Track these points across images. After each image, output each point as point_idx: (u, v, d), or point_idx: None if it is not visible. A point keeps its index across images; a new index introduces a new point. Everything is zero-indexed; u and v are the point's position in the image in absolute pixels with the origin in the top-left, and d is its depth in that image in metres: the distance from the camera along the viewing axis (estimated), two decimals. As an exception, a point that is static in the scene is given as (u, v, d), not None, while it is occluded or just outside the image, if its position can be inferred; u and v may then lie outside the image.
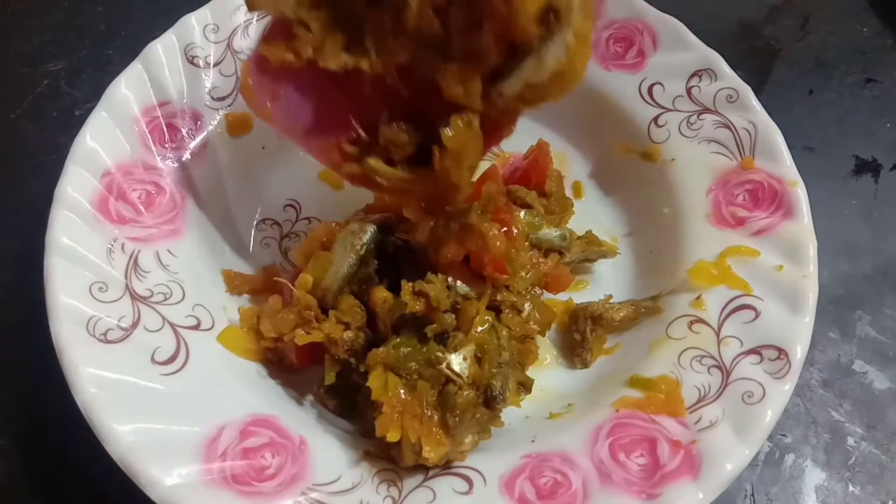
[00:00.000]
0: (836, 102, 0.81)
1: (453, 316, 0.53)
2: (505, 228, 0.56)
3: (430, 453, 0.49)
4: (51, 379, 0.59)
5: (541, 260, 0.59)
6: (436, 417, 0.50)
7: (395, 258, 0.57)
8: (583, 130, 0.71)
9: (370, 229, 0.57)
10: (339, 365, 0.55)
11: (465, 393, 0.50)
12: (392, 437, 0.49)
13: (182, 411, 0.51)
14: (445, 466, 0.51)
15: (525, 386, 0.58)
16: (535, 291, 0.60)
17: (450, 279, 0.54)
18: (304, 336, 0.54)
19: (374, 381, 0.50)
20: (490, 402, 0.53)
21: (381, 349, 0.52)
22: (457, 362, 0.51)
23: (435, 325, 0.52)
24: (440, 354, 0.51)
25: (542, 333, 0.60)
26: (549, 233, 0.61)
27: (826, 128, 0.79)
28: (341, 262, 0.56)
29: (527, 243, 0.60)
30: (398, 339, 0.52)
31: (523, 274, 0.58)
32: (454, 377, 0.51)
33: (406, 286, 0.53)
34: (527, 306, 0.57)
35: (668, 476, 0.49)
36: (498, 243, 0.54)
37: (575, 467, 0.50)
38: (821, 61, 0.84)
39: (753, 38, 0.85)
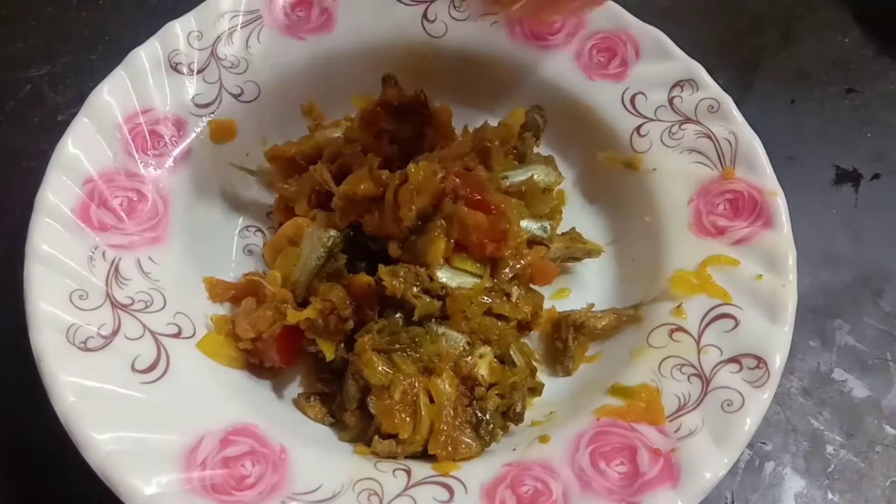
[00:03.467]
0: (818, 113, 0.82)
1: (437, 302, 0.55)
2: (478, 197, 0.58)
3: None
4: (33, 387, 0.59)
5: (525, 251, 0.60)
6: (458, 420, 0.53)
7: (372, 251, 0.59)
8: (566, 139, 0.71)
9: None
10: (333, 343, 0.56)
11: (493, 400, 0.54)
12: (395, 427, 0.52)
13: (162, 420, 0.51)
14: (426, 475, 0.51)
15: (536, 390, 0.59)
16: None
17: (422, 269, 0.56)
18: (295, 314, 0.54)
19: (370, 369, 0.52)
20: (510, 417, 0.56)
21: (366, 336, 0.53)
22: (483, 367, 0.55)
23: (420, 308, 0.53)
24: (468, 361, 0.55)
25: (534, 321, 0.61)
26: (530, 224, 0.61)
27: (807, 138, 0.80)
28: (309, 256, 0.57)
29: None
30: (383, 322, 0.54)
31: (509, 262, 0.59)
32: (482, 382, 0.55)
33: (383, 269, 0.55)
34: (515, 290, 0.58)
35: (648, 484, 0.49)
36: (480, 220, 0.56)
37: (556, 475, 0.50)
38: (802, 72, 0.85)
39: (736, 49, 0.86)
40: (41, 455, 0.58)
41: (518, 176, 0.63)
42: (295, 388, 0.60)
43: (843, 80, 0.84)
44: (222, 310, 0.61)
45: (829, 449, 0.62)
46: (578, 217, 0.69)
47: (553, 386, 0.60)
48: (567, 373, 0.61)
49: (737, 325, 0.56)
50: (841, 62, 0.86)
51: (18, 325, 0.53)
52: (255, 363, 0.59)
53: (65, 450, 0.50)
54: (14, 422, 0.60)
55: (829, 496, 0.60)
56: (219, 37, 0.68)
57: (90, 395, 0.50)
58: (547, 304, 0.64)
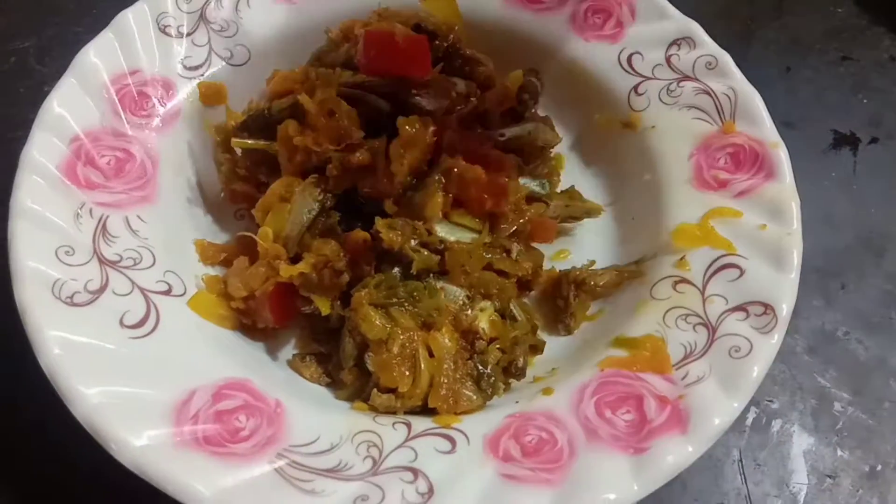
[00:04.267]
0: (814, 80, 0.81)
1: (435, 256, 0.54)
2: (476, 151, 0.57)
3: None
4: (12, 353, 0.57)
5: (524, 207, 0.58)
6: (458, 373, 0.52)
7: (366, 213, 0.57)
8: (562, 103, 0.70)
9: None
10: (329, 298, 0.54)
11: (494, 354, 0.53)
12: (394, 381, 0.50)
13: (151, 375, 0.49)
14: (427, 427, 0.50)
15: (537, 348, 0.58)
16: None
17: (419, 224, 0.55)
18: (289, 269, 0.52)
19: (367, 323, 0.50)
20: (512, 372, 0.55)
21: (363, 291, 0.51)
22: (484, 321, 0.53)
23: (418, 261, 0.52)
24: (468, 314, 0.54)
25: (534, 279, 0.59)
26: (528, 181, 0.60)
27: (804, 104, 0.79)
28: (301, 210, 0.55)
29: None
30: (380, 277, 0.52)
31: (508, 217, 0.57)
32: (483, 336, 0.54)
33: (381, 222, 0.53)
34: (515, 247, 0.57)
35: (656, 430, 0.47)
36: (478, 174, 0.54)
37: (560, 425, 0.49)
38: (797, 40, 0.84)
39: (729, 19, 0.86)
40: (23, 419, 0.56)
41: (515, 131, 0.62)
42: (289, 351, 0.58)
43: (838, 49, 0.84)
44: (213, 272, 0.60)
45: (837, 406, 0.61)
46: (577, 180, 0.68)
47: (554, 344, 0.59)
48: (568, 331, 0.59)
49: (742, 274, 0.54)
50: (834, 31, 0.85)
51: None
52: (247, 324, 0.57)
53: (46, 412, 0.48)
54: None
55: (839, 453, 0.58)
56: (207, 0, 0.67)
57: (77, 349, 0.48)
58: (546, 266, 0.63)
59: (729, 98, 0.63)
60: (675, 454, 0.46)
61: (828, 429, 0.60)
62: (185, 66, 0.64)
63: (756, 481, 0.57)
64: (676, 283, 0.56)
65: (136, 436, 0.45)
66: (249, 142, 0.60)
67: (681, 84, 0.65)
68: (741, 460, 0.58)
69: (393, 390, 0.52)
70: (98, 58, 0.61)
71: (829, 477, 0.57)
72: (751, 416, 0.59)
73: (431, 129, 0.57)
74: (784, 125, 0.76)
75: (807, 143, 0.76)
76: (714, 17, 0.85)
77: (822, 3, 0.88)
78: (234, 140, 0.60)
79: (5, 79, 0.75)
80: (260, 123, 0.59)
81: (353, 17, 0.68)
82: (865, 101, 0.80)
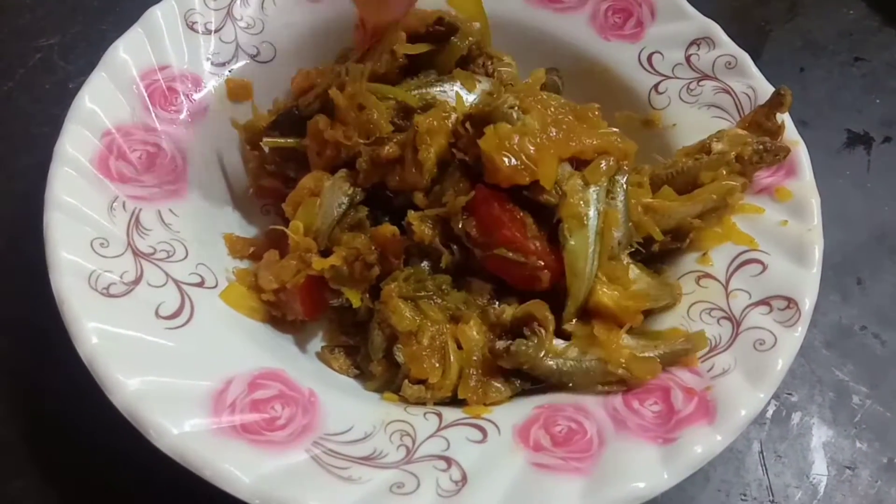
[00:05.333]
0: (827, 80, 0.83)
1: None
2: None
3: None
4: (46, 349, 0.58)
5: None
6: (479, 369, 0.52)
7: (395, 207, 0.58)
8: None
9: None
10: (359, 291, 0.54)
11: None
12: (424, 372, 0.50)
13: (188, 365, 0.50)
14: (458, 418, 0.50)
15: None
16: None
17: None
18: (320, 262, 0.53)
19: (397, 315, 0.51)
20: None
21: (392, 284, 0.53)
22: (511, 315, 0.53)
23: (448, 257, 0.52)
24: (495, 308, 0.54)
25: None
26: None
27: (818, 104, 0.80)
28: (331, 204, 0.56)
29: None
30: (409, 270, 0.53)
31: None
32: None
33: (413, 214, 0.54)
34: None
35: (684, 421, 0.48)
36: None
37: (589, 415, 0.50)
38: (810, 41, 0.85)
39: (743, 20, 0.87)
40: (56, 414, 0.57)
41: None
42: (317, 343, 0.59)
43: (850, 50, 0.85)
44: (243, 265, 0.60)
45: (855, 399, 0.62)
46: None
47: (578, 337, 0.60)
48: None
49: (764, 269, 0.55)
50: (846, 33, 0.87)
51: (30, 287, 0.53)
52: (277, 316, 0.58)
53: (80, 407, 0.50)
54: (27, 382, 0.59)
55: (857, 445, 0.60)
56: (234, -2, 0.68)
57: (114, 339, 0.49)
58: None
59: (749, 97, 0.64)
60: (703, 444, 0.47)
61: (846, 421, 0.61)
62: (212, 63, 0.65)
63: (777, 472, 0.58)
64: (700, 277, 0.57)
65: (176, 424, 0.46)
66: (280, 140, 0.60)
67: (700, 83, 0.66)
68: (762, 452, 0.59)
69: (423, 381, 0.53)
70: (127, 53, 0.62)
71: (849, 468, 0.59)
72: (771, 409, 0.60)
73: (454, 117, 0.57)
74: (799, 123, 0.77)
75: (821, 142, 0.77)
76: (729, 18, 0.85)
77: (835, 5, 0.89)
78: (265, 140, 0.60)
79: (31, 75, 0.76)
80: (290, 121, 0.60)
81: (378, 15, 0.69)
82: (878, 100, 0.81)
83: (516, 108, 0.54)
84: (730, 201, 0.57)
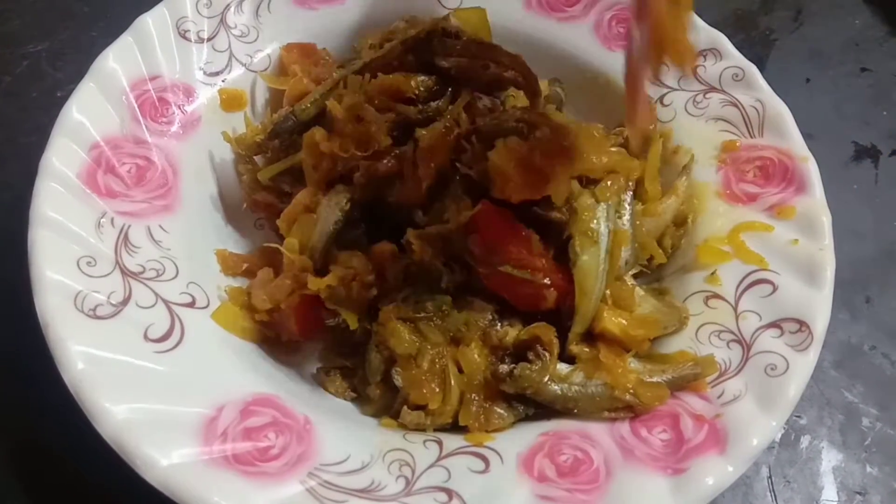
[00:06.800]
0: (833, 91, 0.81)
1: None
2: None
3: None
4: (29, 374, 0.56)
5: None
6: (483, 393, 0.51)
7: (392, 225, 0.56)
8: (587, 112, 0.69)
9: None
10: (356, 312, 0.53)
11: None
12: (423, 398, 0.48)
13: (178, 390, 0.48)
14: (459, 446, 0.49)
15: None
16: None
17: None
18: (316, 281, 0.51)
19: (396, 338, 0.49)
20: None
21: (390, 305, 0.51)
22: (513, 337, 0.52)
23: (449, 277, 0.51)
24: (497, 330, 0.53)
25: None
26: None
27: (824, 115, 0.79)
28: (326, 221, 0.54)
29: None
30: (408, 291, 0.51)
31: None
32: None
33: (412, 232, 0.52)
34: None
35: (694, 450, 0.47)
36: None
37: (595, 444, 0.48)
38: (815, 51, 0.84)
39: (749, 29, 0.85)
40: (43, 436, 0.55)
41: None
42: (312, 364, 0.57)
43: (856, 60, 0.84)
44: (235, 283, 0.58)
45: (865, 422, 0.60)
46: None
47: (582, 359, 0.58)
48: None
49: (775, 289, 0.54)
50: (852, 42, 0.85)
51: (16, 302, 0.51)
52: (271, 336, 0.56)
53: (66, 430, 0.47)
54: (9, 402, 0.56)
55: (868, 469, 0.58)
56: (228, 5, 0.66)
57: (101, 363, 0.47)
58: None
59: (757, 110, 0.63)
60: (714, 475, 0.45)
61: (856, 445, 0.59)
62: (205, 72, 0.63)
63: (786, 499, 0.56)
64: (708, 297, 0.55)
65: (164, 454, 0.44)
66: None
67: (707, 96, 0.64)
68: (770, 477, 0.57)
69: (422, 407, 0.51)
70: (117, 63, 0.60)
71: (859, 494, 0.57)
72: (780, 432, 0.59)
73: (456, 132, 0.55)
74: (805, 136, 0.76)
75: (828, 155, 0.74)
76: (734, 28, 0.85)
77: (841, 14, 0.87)
78: (261, 172, 0.59)
79: (18, 83, 0.73)
80: (287, 129, 0.58)
81: (377, 25, 0.67)
82: (885, 112, 0.80)
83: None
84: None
